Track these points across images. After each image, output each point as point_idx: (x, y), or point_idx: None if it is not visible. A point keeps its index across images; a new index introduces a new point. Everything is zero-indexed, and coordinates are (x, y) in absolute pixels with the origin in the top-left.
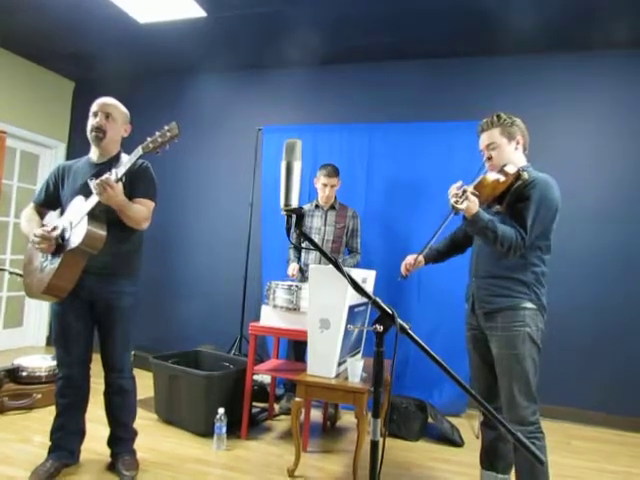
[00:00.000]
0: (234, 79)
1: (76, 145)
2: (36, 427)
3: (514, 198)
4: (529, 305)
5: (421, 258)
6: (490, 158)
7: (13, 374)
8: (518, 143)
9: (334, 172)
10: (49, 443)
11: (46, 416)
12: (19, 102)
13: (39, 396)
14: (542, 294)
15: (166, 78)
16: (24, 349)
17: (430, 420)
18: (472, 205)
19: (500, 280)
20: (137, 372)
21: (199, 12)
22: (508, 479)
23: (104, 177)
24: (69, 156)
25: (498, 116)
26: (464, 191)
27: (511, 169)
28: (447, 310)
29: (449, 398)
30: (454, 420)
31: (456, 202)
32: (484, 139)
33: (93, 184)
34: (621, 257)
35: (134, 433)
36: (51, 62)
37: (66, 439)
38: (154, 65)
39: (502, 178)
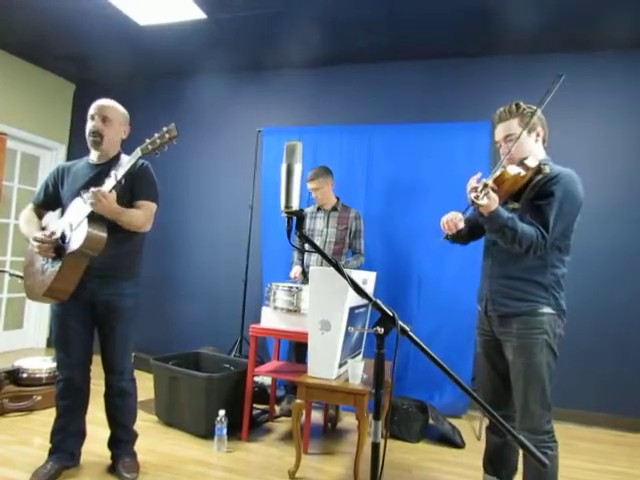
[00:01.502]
0: (234, 80)
1: (76, 147)
2: (36, 429)
3: (534, 194)
4: (548, 310)
5: (463, 219)
6: (509, 152)
7: (13, 376)
8: (538, 135)
9: (315, 175)
10: (49, 445)
11: (46, 418)
12: (20, 104)
13: (39, 398)
14: (561, 297)
15: (166, 80)
16: (24, 351)
17: (431, 421)
18: (492, 202)
19: (517, 282)
20: (138, 374)
21: (199, 14)
22: None
23: (97, 188)
24: (69, 158)
25: (517, 105)
26: (485, 185)
27: (532, 162)
28: (448, 312)
29: (450, 399)
30: (455, 421)
31: (476, 197)
32: (501, 130)
33: (86, 196)
34: (623, 258)
35: (134, 435)
36: (52, 64)
37: (67, 441)
38: (154, 67)
39: (523, 172)
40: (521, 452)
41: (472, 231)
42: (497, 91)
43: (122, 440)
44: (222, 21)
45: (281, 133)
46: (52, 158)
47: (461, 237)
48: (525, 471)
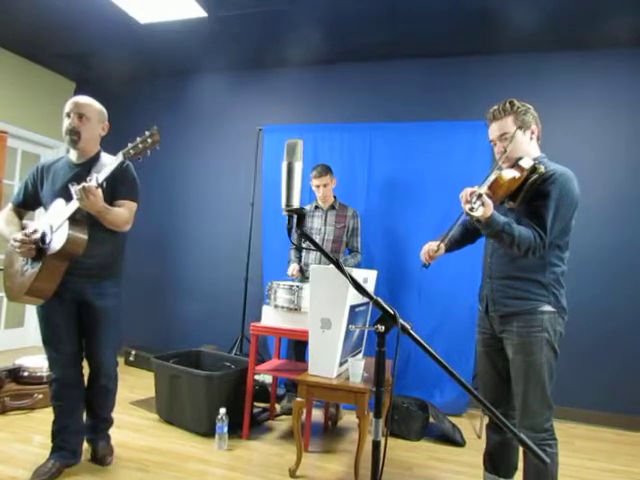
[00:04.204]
0: (235, 79)
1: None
2: (37, 427)
3: (530, 194)
4: (547, 308)
5: (442, 246)
6: (504, 151)
7: (14, 374)
8: (533, 133)
9: (324, 171)
10: (50, 443)
11: (47, 416)
12: (20, 102)
13: (40, 396)
14: (561, 295)
15: (167, 78)
16: (25, 349)
17: (431, 420)
18: (487, 209)
19: (516, 281)
20: (138, 372)
21: (200, 12)
22: None
23: (86, 184)
24: None
25: (511, 103)
26: (479, 195)
27: (526, 163)
28: (448, 310)
29: (450, 398)
30: (455, 420)
31: (471, 209)
32: (495, 129)
33: (74, 190)
34: (623, 257)
35: (111, 422)
36: (52, 62)
37: (68, 440)
38: (155, 65)
39: (517, 175)
40: (521, 450)
41: (468, 236)
42: (499, 90)
43: (101, 429)
44: (223, 19)
45: (282, 131)
46: (52, 156)
47: (456, 245)
48: (525, 469)
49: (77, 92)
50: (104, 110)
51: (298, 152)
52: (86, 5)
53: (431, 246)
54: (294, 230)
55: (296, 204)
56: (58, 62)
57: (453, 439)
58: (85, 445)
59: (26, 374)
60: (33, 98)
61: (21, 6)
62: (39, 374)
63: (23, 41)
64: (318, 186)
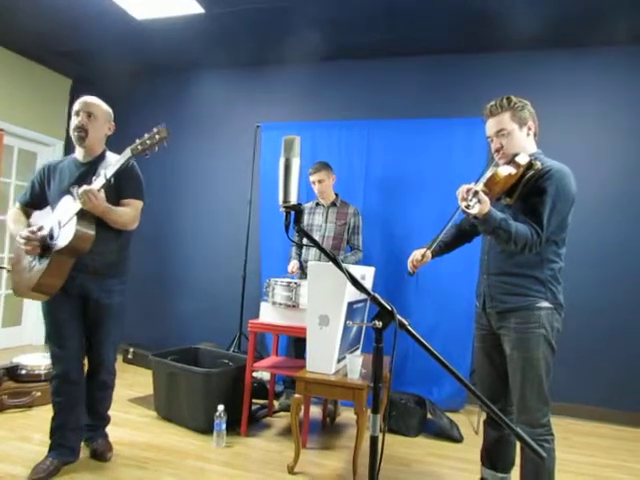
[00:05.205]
0: (232, 76)
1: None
2: (35, 425)
3: (527, 191)
4: (545, 304)
5: (428, 253)
6: (501, 147)
7: (12, 372)
8: (530, 129)
9: (319, 167)
10: (49, 441)
11: (45, 414)
12: (17, 100)
13: (38, 394)
14: (558, 291)
15: (164, 75)
16: (23, 347)
17: (429, 416)
18: (484, 206)
19: (514, 278)
20: (136, 369)
21: (197, 9)
22: (508, 478)
23: (88, 187)
24: (67, 153)
25: (508, 99)
26: (475, 192)
27: (523, 159)
28: (446, 306)
29: (448, 394)
30: (453, 416)
31: (467, 207)
32: (492, 125)
33: (77, 193)
34: (621, 254)
35: (109, 420)
36: (48, 60)
37: (67, 437)
38: (152, 62)
39: (514, 171)
40: (518, 445)
41: (464, 237)
42: (496, 87)
43: (99, 426)
44: (220, 16)
45: (280, 129)
46: (49, 154)
47: (446, 249)
48: (522, 464)
49: (74, 89)
50: (111, 111)
51: (295, 148)
52: (82, 2)
53: (415, 255)
54: (292, 226)
55: (293, 200)
56: (54, 59)
57: (451, 435)
58: (83, 445)
59: (24, 372)
60: (30, 96)
61: (18, 4)
62: (37, 372)
63: (20, 39)
64: (314, 182)
